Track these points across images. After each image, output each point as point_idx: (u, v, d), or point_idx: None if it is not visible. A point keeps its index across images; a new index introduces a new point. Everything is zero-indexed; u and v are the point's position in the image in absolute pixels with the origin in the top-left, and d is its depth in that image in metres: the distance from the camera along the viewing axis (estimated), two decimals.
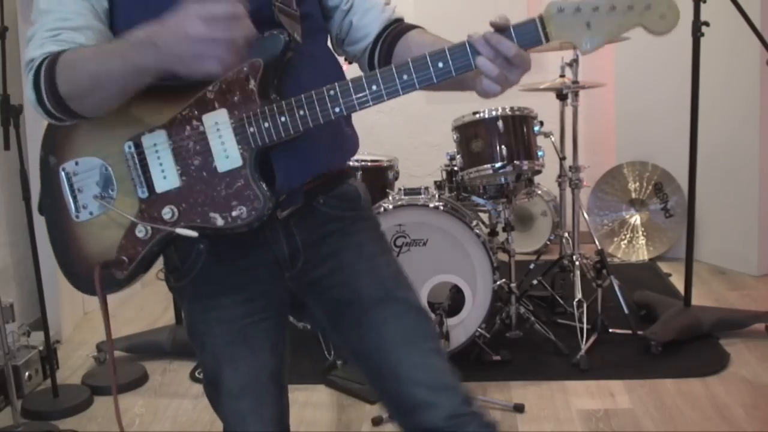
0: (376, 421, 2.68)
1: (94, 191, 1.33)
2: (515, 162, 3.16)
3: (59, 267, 1.45)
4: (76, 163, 1.34)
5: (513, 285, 3.26)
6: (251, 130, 1.24)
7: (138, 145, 1.29)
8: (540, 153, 3.27)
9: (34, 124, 3.46)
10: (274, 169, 1.30)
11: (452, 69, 1.19)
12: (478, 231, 3.01)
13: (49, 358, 3.01)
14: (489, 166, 3.18)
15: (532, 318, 3.25)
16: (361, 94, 1.21)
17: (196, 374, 3.17)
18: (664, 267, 4.28)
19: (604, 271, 3.43)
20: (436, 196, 3.21)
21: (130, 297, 4.17)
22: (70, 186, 1.35)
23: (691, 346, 3.18)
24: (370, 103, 1.22)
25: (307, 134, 1.27)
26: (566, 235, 3.77)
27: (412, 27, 1.45)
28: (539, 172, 3.35)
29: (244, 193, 1.25)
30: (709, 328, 3.26)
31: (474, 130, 3.23)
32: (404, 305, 1.41)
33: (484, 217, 3.73)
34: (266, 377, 1.46)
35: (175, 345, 3.34)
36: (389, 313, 1.38)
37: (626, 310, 3.34)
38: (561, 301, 3.58)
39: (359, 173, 3.38)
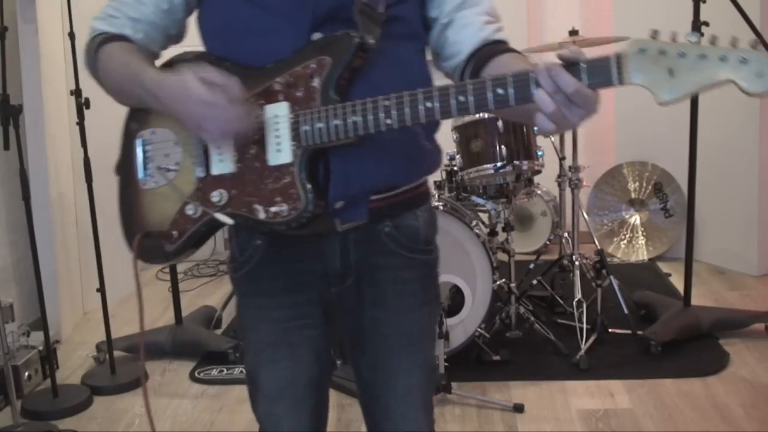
0: None
1: (161, 163, 1.35)
2: (515, 162, 3.16)
3: (121, 227, 1.43)
4: (153, 133, 1.37)
5: (513, 285, 3.26)
6: (305, 128, 1.21)
7: None
8: (540, 153, 3.27)
9: (34, 124, 3.46)
10: (331, 172, 1.26)
11: (510, 98, 1.10)
12: (477, 231, 3.02)
13: (48, 358, 3.01)
14: (489, 166, 3.18)
15: (532, 318, 3.25)
16: (415, 109, 1.15)
17: (196, 374, 3.17)
18: (663, 267, 4.28)
19: (604, 271, 3.43)
20: (436, 196, 3.21)
21: (130, 297, 4.17)
22: (144, 153, 1.38)
23: (690, 346, 3.18)
24: (422, 120, 1.15)
25: (373, 140, 1.22)
26: (566, 235, 3.77)
27: (509, 50, 1.34)
28: (539, 172, 3.35)
29: (289, 190, 1.22)
30: (708, 328, 3.26)
31: (474, 130, 3.24)
32: (419, 362, 1.45)
33: (484, 217, 3.73)
34: (305, 383, 1.45)
35: (175, 345, 3.34)
36: (404, 366, 1.43)
37: (626, 310, 3.34)
38: (561, 301, 3.58)
39: None
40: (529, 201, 4.52)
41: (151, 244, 1.35)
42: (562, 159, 3.63)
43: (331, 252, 1.36)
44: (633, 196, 4.57)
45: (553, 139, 3.48)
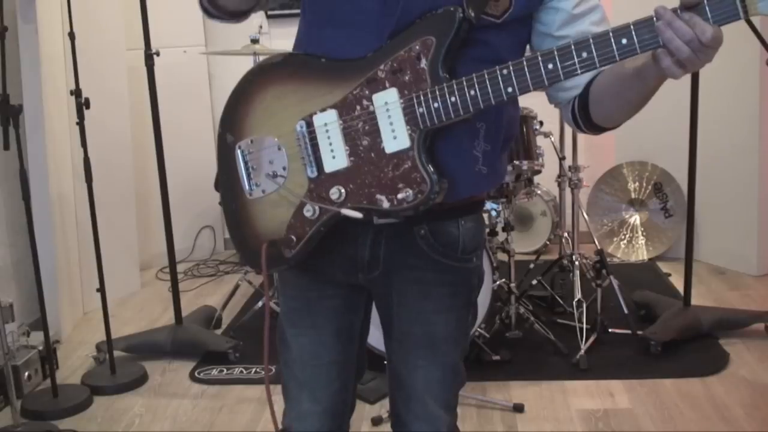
0: (376, 421, 2.68)
1: (266, 169, 1.34)
2: (515, 162, 3.16)
3: (232, 242, 1.44)
4: (251, 141, 1.35)
5: (513, 285, 3.26)
6: (420, 110, 1.20)
7: (309, 125, 1.29)
8: (540, 153, 3.27)
9: (34, 124, 3.46)
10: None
11: (637, 46, 1.08)
12: None
13: (48, 358, 3.01)
14: None
15: (532, 318, 3.25)
16: (536, 74, 1.14)
17: (196, 374, 3.17)
18: (663, 267, 4.28)
19: (604, 271, 3.43)
20: None
21: (130, 297, 4.17)
22: (245, 163, 1.37)
23: (690, 346, 3.18)
24: (546, 83, 1.15)
25: (440, 157, 1.23)
26: (566, 235, 3.77)
27: None
28: (539, 172, 3.35)
29: (411, 175, 1.22)
30: (708, 328, 3.26)
31: None
32: (440, 364, 1.45)
33: (484, 216, 3.73)
34: (327, 359, 1.47)
35: (174, 345, 3.34)
36: (425, 363, 1.43)
37: (626, 310, 3.34)
38: (561, 301, 3.58)
39: None
40: (529, 201, 4.52)
41: (270, 252, 1.34)
42: (562, 159, 3.63)
43: (362, 240, 1.37)
44: (633, 196, 4.57)
45: (552, 138, 3.48)
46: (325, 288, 1.44)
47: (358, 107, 1.25)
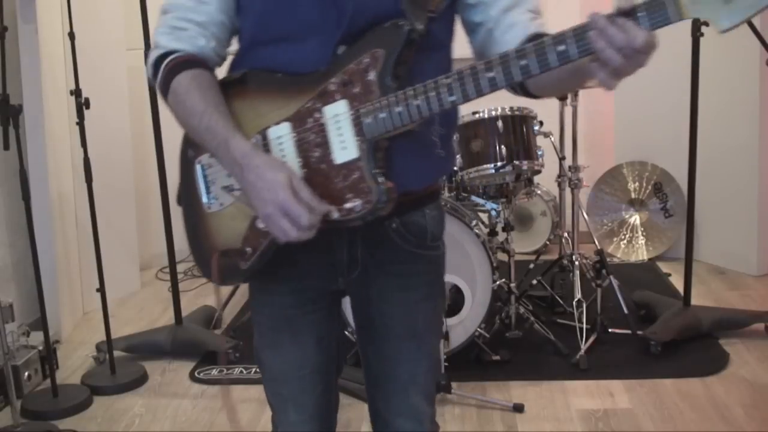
0: None
1: (224, 183, 1.35)
2: (515, 162, 3.16)
3: (192, 255, 1.46)
4: (211, 156, 1.36)
5: (512, 285, 3.26)
6: (368, 120, 1.23)
7: (265, 138, 1.31)
8: (539, 153, 3.27)
9: (34, 124, 3.46)
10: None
11: (575, 53, 1.11)
12: (477, 231, 3.01)
13: (48, 358, 3.01)
14: (489, 166, 3.18)
15: (532, 318, 3.25)
16: (477, 81, 1.17)
17: (196, 374, 3.17)
18: (663, 267, 4.28)
19: (604, 271, 3.43)
20: None
21: (130, 297, 4.17)
22: (204, 177, 1.39)
23: (690, 346, 3.18)
24: (487, 90, 1.18)
25: (393, 149, 1.27)
26: (566, 235, 3.77)
27: None
28: (539, 172, 3.35)
29: (359, 185, 1.24)
30: (708, 328, 3.26)
31: (473, 130, 3.24)
32: (425, 354, 1.49)
33: (484, 217, 3.73)
34: (309, 369, 1.48)
35: (174, 345, 3.34)
36: (410, 356, 1.47)
37: (626, 310, 3.34)
38: (560, 301, 3.58)
39: None
40: (529, 201, 4.52)
41: (226, 263, 1.35)
42: (562, 159, 3.63)
43: (339, 244, 1.39)
44: (633, 196, 4.57)
45: (552, 138, 3.48)
46: (305, 305, 1.45)
47: (310, 120, 1.27)
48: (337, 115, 1.25)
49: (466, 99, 1.19)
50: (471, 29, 1.40)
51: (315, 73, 1.28)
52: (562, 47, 1.11)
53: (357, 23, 1.26)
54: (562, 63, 1.12)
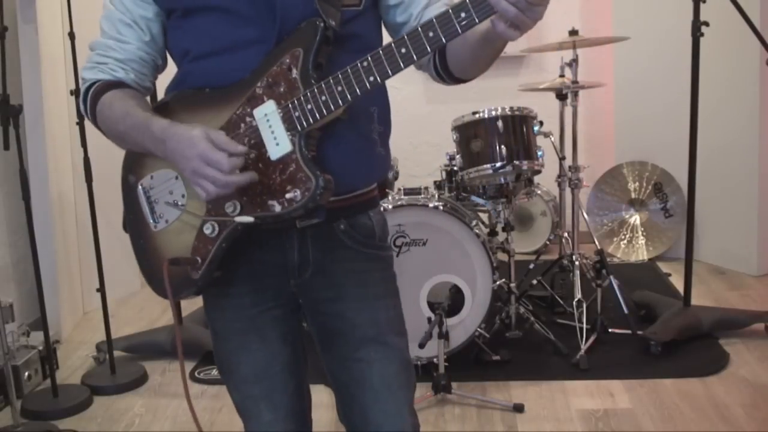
0: None
1: (167, 199, 1.40)
2: (515, 162, 3.16)
3: (144, 277, 1.51)
4: (152, 177, 1.42)
5: (513, 285, 3.26)
6: (296, 114, 1.28)
7: None
8: (539, 153, 3.27)
9: (34, 124, 3.46)
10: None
11: (474, 17, 1.16)
12: (477, 231, 3.02)
13: (48, 358, 3.01)
14: (489, 166, 3.18)
15: (532, 318, 3.25)
16: (392, 60, 1.23)
17: (196, 374, 3.17)
18: (663, 267, 4.28)
19: (604, 271, 3.43)
20: (436, 196, 3.21)
21: (130, 297, 4.18)
22: (147, 199, 1.44)
23: (690, 346, 3.19)
24: (402, 66, 1.23)
25: (337, 146, 1.33)
26: (566, 235, 3.77)
27: None
28: (539, 172, 3.35)
29: (297, 176, 1.28)
30: (708, 328, 3.26)
31: (473, 130, 3.23)
32: (393, 352, 1.47)
33: (484, 217, 3.73)
34: (279, 366, 1.50)
35: (175, 345, 3.34)
36: (377, 356, 1.45)
37: (626, 310, 3.34)
38: (561, 301, 3.59)
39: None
40: (529, 201, 4.52)
41: (178, 274, 1.38)
42: (562, 159, 3.63)
43: (289, 245, 1.42)
44: (633, 196, 4.57)
45: (552, 138, 3.48)
46: (265, 303, 1.47)
47: (242, 125, 1.32)
48: (267, 115, 1.30)
49: (385, 77, 1.24)
50: (395, 31, 1.45)
51: (240, 82, 1.33)
52: (463, 14, 1.17)
53: (286, 28, 1.32)
54: (466, 28, 1.17)
